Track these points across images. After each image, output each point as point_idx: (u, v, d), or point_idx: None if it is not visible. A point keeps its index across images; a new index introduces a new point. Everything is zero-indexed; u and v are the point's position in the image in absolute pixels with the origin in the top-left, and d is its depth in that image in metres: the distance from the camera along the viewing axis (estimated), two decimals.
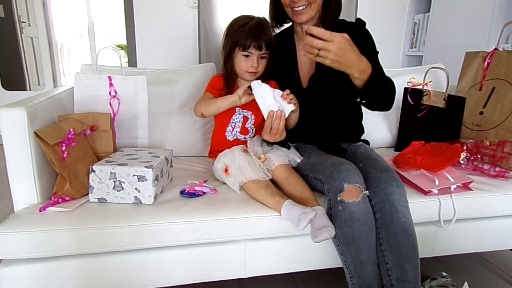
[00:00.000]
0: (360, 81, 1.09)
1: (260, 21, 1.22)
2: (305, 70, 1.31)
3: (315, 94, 1.29)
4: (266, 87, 1.13)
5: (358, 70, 1.05)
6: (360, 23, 1.27)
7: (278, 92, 1.14)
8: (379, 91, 1.15)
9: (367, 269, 1.04)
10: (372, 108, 1.25)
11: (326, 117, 1.32)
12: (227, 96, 1.21)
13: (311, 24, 1.25)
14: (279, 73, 1.30)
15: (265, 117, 1.14)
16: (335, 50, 0.98)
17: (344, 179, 1.02)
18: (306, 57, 1.29)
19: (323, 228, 0.94)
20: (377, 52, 1.28)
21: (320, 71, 1.27)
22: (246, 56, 1.21)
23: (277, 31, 1.37)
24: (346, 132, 1.37)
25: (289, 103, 1.13)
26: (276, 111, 1.11)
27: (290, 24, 1.36)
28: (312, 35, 0.98)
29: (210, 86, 1.30)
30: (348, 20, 1.31)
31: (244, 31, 1.19)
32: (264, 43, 1.19)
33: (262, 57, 1.23)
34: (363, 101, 1.20)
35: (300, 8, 1.18)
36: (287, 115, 1.13)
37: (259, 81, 1.14)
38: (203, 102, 1.25)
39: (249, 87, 1.16)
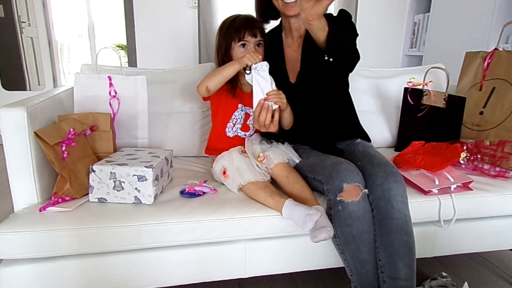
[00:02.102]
0: (324, 31, 1.06)
1: (248, 15, 1.26)
2: (292, 65, 1.33)
3: (303, 89, 1.30)
4: (266, 75, 1.13)
5: (324, 20, 1.04)
6: (343, 12, 1.28)
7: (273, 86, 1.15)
8: (342, 41, 1.12)
9: (367, 267, 1.04)
10: (339, 65, 1.20)
11: (317, 112, 1.32)
12: (231, 62, 1.20)
13: (300, 18, 1.25)
14: (271, 68, 1.30)
15: (254, 103, 1.14)
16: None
17: (344, 179, 1.02)
18: (293, 54, 1.33)
19: (322, 229, 0.94)
20: (356, 34, 1.27)
21: (305, 67, 1.30)
22: (243, 45, 1.23)
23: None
24: (339, 128, 1.37)
25: (275, 102, 1.13)
26: (264, 102, 1.12)
27: (278, 22, 1.38)
28: None
29: None
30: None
31: (235, 25, 1.22)
32: (257, 30, 1.23)
33: (258, 45, 1.25)
34: (331, 59, 1.14)
35: (292, 0, 1.19)
36: (274, 107, 1.14)
37: (265, 64, 1.13)
38: (207, 76, 1.23)
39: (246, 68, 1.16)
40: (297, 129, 1.29)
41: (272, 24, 1.39)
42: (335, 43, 1.09)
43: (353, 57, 1.20)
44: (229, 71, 1.18)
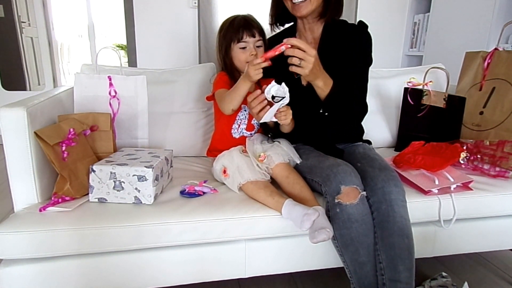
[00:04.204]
0: (323, 92, 1.14)
1: (247, 15, 1.27)
2: None
3: (314, 92, 1.29)
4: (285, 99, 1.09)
5: (322, 80, 1.12)
6: (362, 26, 1.27)
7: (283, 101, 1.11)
8: (341, 103, 1.18)
9: (366, 269, 1.04)
10: (335, 121, 1.27)
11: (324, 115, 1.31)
12: (239, 81, 1.16)
13: (311, 19, 1.26)
14: (280, 70, 1.29)
15: (264, 116, 1.11)
16: (314, 60, 1.05)
17: (341, 181, 1.02)
18: None
19: (322, 229, 0.94)
20: (370, 63, 1.28)
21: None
22: (243, 48, 1.23)
23: (277, 30, 1.38)
24: (344, 132, 1.37)
25: (278, 117, 1.13)
26: (259, 94, 1.09)
27: (291, 24, 1.37)
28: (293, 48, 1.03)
29: (222, 82, 1.29)
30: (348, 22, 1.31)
31: (234, 26, 1.23)
32: (256, 30, 1.23)
33: (258, 46, 1.25)
34: (326, 113, 1.20)
35: (299, 0, 1.18)
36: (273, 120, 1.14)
37: (283, 87, 1.09)
38: (226, 99, 1.21)
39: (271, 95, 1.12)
40: (301, 130, 1.29)
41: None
42: (333, 104, 1.17)
43: (355, 115, 1.28)
44: (245, 89, 1.16)
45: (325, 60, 1.20)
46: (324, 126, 1.32)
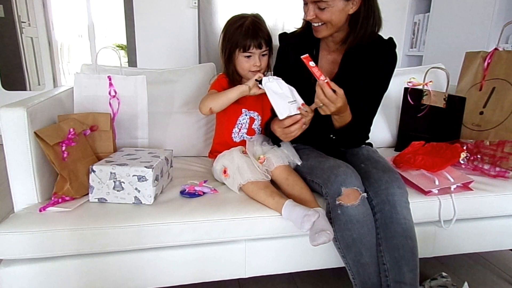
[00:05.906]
0: (338, 123, 1.15)
1: (255, 18, 1.22)
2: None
3: None
4: (278, 82, 1.11)
5: (342, 116, 1.12)
6: (391, 44, 1.26)
7: (291, 88, 1.12)
8: (352, 135, 1.22)
9: (369, 270, 1.04)
10: (340, 144, 1.30)
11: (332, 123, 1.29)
12: (236, 86, 1.19)
13: (332, 44, 1.25)
14: (296, 72, 1.23)
15: (278, 112, 1.06)
16: (338, 105, 1.04)
17: (342, 183, 1.02)
18: (328, 62, 1.29)
19: (322, 232, 0.94)
20: (385, 88, 1.27)
21: (340, 80, 1.21)
22: (248, 56, 1.21)
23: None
24: (353, 140, 1.36)
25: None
26: (295, 114, 1.08)
27: None
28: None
29: (217, 84, 1.28)
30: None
31: (241, 32, 1.19)
32: (263, 40, 1.20)
33: (263, 55, 1.23)
34: (334, 138, 1.21)
35: (316, 25, 1.16)
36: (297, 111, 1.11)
37: (271, 77, 1.12)
38: (210, 97, 1.22)
39: (259, 81, 1.15)
40: (306, 134, 1.27)
41: None
42: (344, 134, 1.18)
43: (359, 142, 1.33)
44: (235, 95, 1.18)
45: (346, 75, 1.20)
46: (333, 133, 1.27)
